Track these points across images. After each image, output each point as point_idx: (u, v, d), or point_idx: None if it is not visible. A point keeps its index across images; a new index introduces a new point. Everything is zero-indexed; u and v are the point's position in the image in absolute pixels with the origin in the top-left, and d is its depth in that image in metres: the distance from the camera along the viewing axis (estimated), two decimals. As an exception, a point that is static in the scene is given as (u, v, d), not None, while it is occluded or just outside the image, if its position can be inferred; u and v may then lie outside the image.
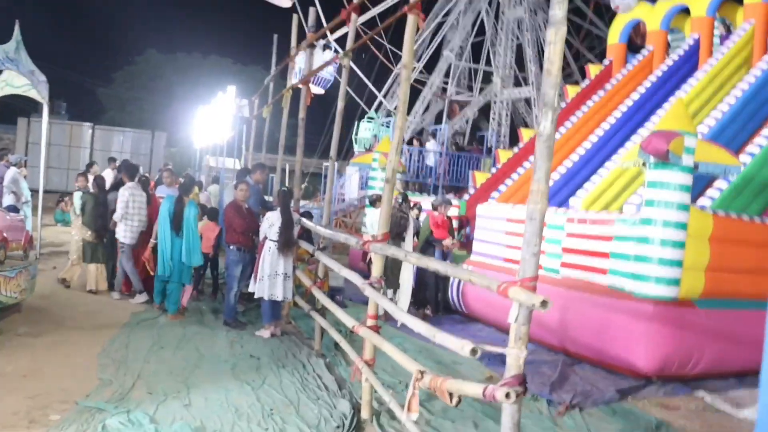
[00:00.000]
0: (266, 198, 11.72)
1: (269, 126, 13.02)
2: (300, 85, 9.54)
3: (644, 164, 8.03)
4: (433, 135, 21.27)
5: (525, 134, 16.00)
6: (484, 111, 26.13)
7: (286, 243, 8.25)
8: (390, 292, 9.82)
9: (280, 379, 6.66)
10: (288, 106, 10.25)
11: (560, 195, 13.06)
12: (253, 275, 8.40)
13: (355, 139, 21.33)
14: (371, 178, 14.62)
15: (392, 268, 9.65)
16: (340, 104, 7.90)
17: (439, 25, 25.50)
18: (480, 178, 15.47)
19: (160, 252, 9.08)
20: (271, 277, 8.24)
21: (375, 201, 10.74)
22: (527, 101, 25.11)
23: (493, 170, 15.63)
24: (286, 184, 12.76)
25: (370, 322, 5.72)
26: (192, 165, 31.91)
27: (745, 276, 8.18)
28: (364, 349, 5.79)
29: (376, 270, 5.69)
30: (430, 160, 20.13)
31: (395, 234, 9.62)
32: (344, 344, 6.70)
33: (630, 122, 13.61)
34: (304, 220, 8.65)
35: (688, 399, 7.25)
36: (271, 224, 8.29)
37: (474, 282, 3.94)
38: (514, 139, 23.93)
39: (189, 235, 9.02)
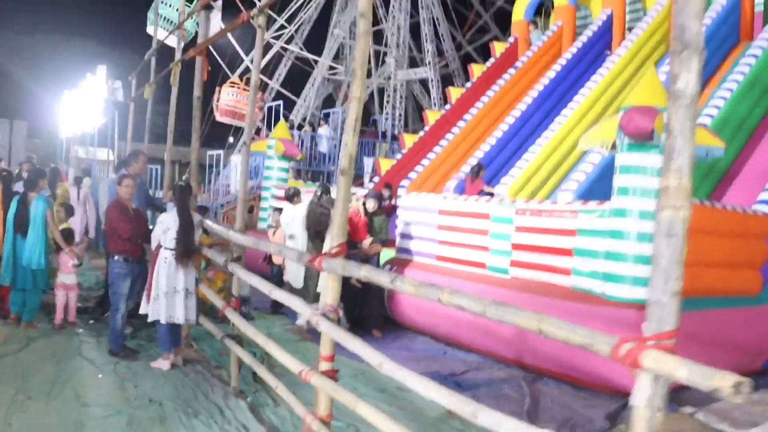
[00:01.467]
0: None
1: (152, 111, 10.89)
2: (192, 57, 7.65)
3: (613, 147, 6.80)
4: (325, 119, 19.55)
5: (430, 116, 14.67)
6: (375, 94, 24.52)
7: (185, 251, 6.41)
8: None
9: (193, 436, 4.90)
10: (177, 83, 8.29)
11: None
12: (145, 293, 6.51)
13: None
14: (267, 168, 12.81)
15: (313, 276, 7.97)
16: (255, 77, 6.11)
17: (328, 2, 23.65)
18: (385, 164, 14.03)
19: (3, 258, 7.90)
20: (168, 295, 6.39)
21: (293, 196, 8.98)
22: (422, 82, 23.69)
23: (398, 156, 14.22)
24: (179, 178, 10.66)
25: (324, 365, 4.08)
26: (58, 157, 28.57)
27: (719, 271, 7.12)
28: (317, 402, 4.15)
29: (331, 296, 4.05)
30: (323, 147, 18.44)
31: (314, 233, 7.97)
32: (282, 389, 5.00)
33: (547, 102, 12.55)
34: (209, 222, 6.83)
35: (680, 419, 6.06)
36: (166, 229, 6.43)
37: (548, 333, 2.40)
38: (408, 123, 22.62)
39: (34, 233, 7.69)
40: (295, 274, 7.93)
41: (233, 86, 18.93)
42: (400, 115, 22.77)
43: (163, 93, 10.90)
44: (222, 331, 6.50)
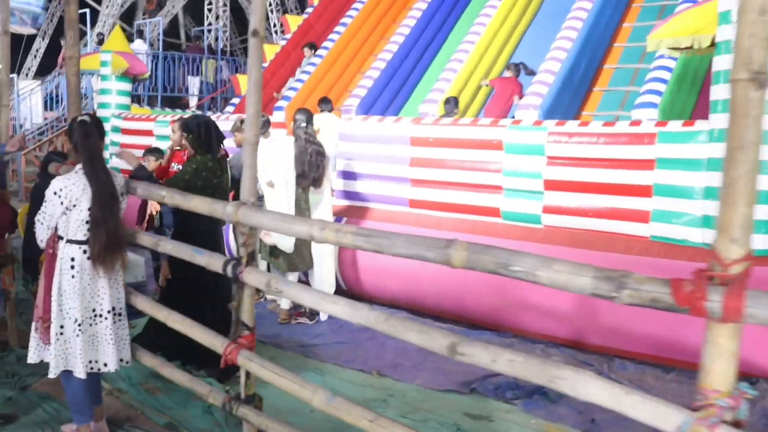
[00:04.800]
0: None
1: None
2: None
3: (712, 44, 4.76)
4: (139, 33, 15.46)
5: (291, 22, 11.79)
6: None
7: (109, 242, 3.37)
8: (294, 275, 5.56)
9: None
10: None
11: (383, 100, 9.31)
12: (37, 327, 3.40)
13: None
14: (102, 91, 9.19)
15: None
16: None
17: None
18: (244, 81, 10.99)
19: None
20: (85, 326, 3.36)
21: (263, 126, 6.00)
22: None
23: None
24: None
25: None
26: None
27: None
28: None
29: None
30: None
31: (311, 180, 5.34)
32: None
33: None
34: (150, 186, 3.75)
35: None
36: (69, 205, 3.32)
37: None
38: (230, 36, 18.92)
39: None
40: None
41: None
42: (225, 25, 18.92)
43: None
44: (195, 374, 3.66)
